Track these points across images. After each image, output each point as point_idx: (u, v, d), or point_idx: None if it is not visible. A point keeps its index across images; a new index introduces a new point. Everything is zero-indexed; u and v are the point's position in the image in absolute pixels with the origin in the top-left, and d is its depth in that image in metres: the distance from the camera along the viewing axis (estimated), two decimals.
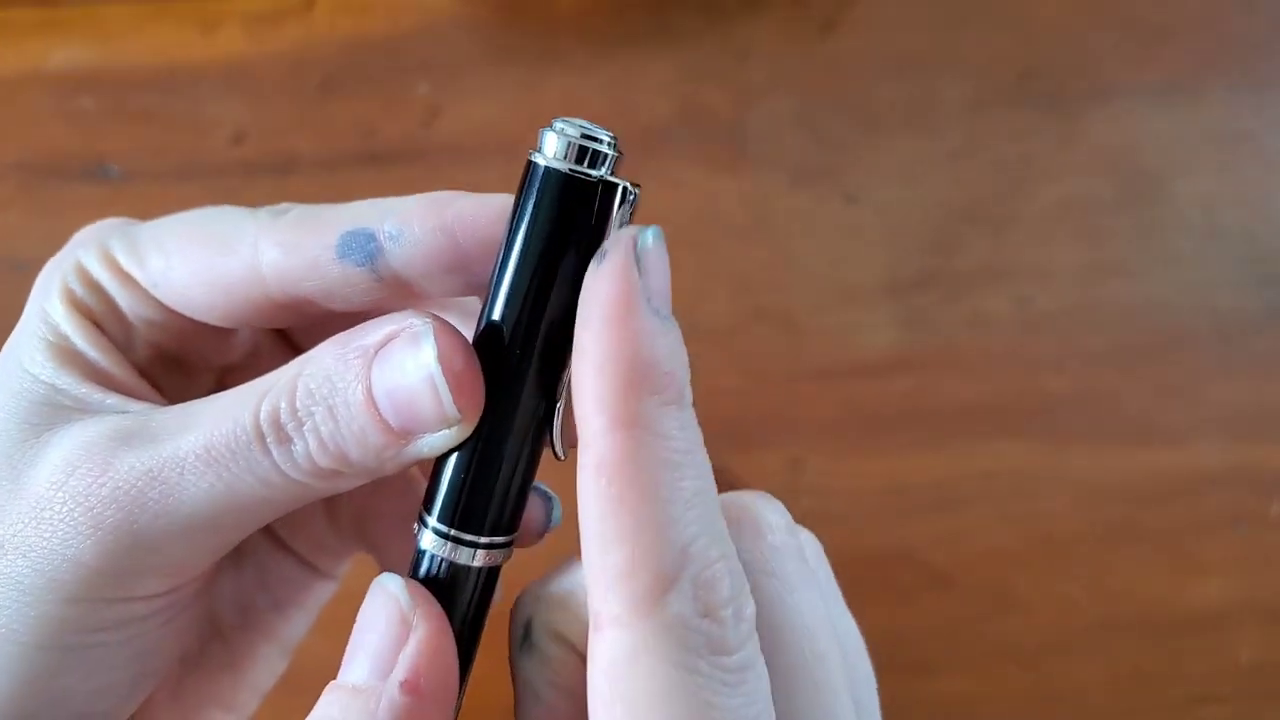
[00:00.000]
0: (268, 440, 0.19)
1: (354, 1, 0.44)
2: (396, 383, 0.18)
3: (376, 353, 0.18)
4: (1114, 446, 0.42)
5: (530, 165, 0.18)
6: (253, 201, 0.22)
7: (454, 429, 0.18)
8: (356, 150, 0.43)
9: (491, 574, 0.20)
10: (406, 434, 0.18)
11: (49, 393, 0.20)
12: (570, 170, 0.18)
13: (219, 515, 0.19)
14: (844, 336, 0.43)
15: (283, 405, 0.19)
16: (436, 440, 0.19)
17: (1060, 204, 0.44)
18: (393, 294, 0.20)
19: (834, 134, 0.44)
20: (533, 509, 0.21)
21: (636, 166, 0.42)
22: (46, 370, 0.20)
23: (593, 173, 0.18)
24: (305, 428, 0.19)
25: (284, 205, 0.21)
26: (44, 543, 0.19)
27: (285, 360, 0.21)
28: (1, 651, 0.19)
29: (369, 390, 0.18)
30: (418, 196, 0.19)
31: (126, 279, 0.21)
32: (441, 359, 0.18)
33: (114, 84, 0.43)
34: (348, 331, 0.19)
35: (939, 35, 0.45)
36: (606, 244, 0.18)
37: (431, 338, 0.18)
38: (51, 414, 0.20)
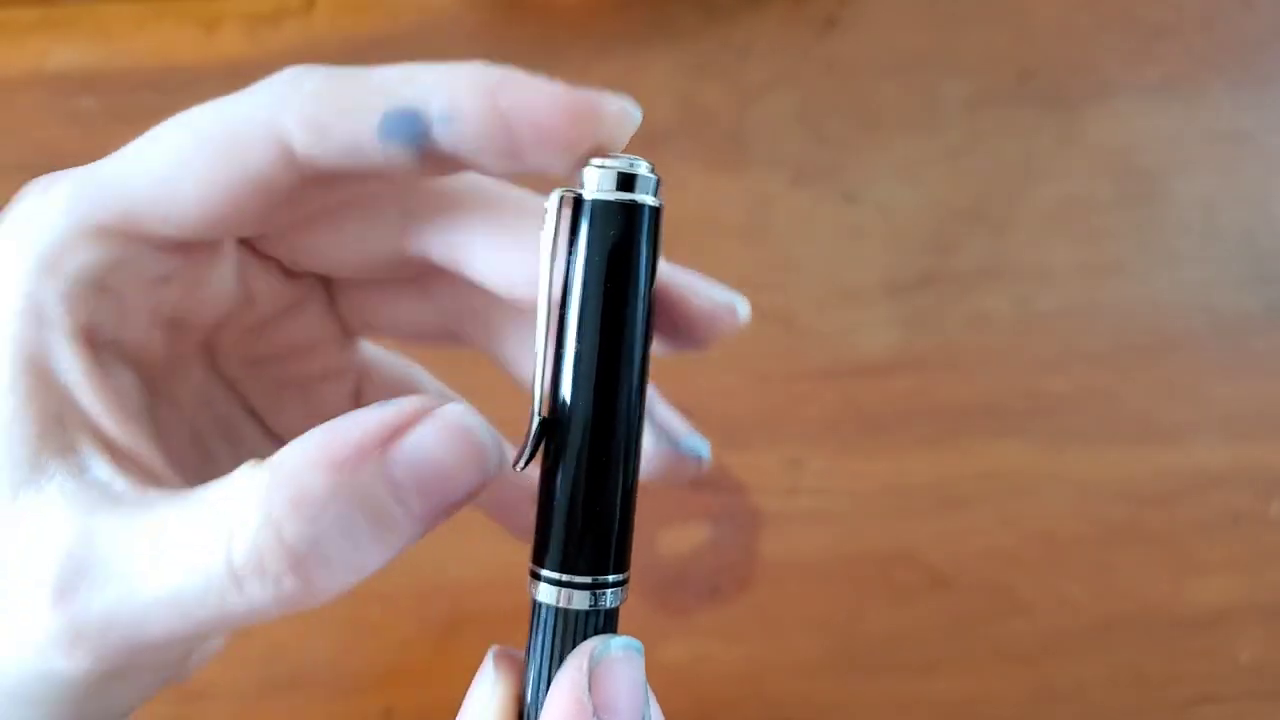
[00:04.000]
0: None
1: (354, 1, 0.43)
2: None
3: None
4: (1114, 446, 0.42)
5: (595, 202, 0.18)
6: None
7: None
8: None
9: (610, 618, 0.19)
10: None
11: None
12: (624, 199, 0.18)
13: None
14: (844, 336, 0.43)
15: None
16: None
17: (1060, 203, 0.44)
18: (437, 169, 0.19)
19: (834, 133, 0.44)
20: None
21: None
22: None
23: (646, 198, 0.18)
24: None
25: (293, 71, 0.19)
26: None
27: (282, 301, 0.22)
28: None
29: None
30: (460, 71, 0.18)
31: (122, 239, 0.19)
32: None
33: (114, 84, 0.43)
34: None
35: (939, 35, 0.45)
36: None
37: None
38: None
